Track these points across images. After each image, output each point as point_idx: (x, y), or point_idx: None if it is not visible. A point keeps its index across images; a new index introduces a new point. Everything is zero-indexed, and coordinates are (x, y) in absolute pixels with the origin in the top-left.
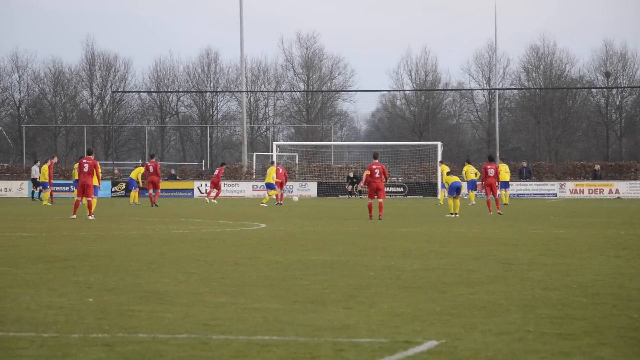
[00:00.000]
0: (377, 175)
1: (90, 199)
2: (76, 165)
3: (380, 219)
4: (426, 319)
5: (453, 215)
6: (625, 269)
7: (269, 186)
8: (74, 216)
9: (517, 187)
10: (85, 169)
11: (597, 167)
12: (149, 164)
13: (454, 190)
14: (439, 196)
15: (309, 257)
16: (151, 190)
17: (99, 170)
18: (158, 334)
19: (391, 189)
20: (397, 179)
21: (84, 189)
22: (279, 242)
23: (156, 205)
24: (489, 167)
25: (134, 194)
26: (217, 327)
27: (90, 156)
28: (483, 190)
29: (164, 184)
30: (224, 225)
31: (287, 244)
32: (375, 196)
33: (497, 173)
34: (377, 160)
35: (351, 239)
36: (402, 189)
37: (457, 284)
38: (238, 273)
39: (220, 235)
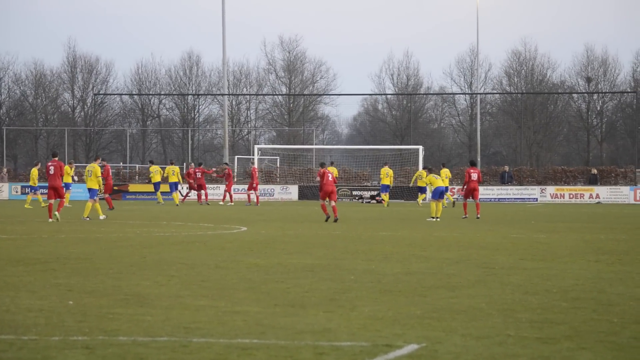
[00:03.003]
0: (329, 179)
1: (63, 199)
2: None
3: (336, 220)
4: (407, 323)
5: (434, 219)
6: (605, 273)
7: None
8: (51, 220)
9: (497, 192)
10: (52, 172)
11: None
12: (196, 170)
13: (438, 194)
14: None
15: (290, 261)
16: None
17: (109, 173)
18: (138, 336)
19: (373, 192)
20: (379, 183)
21: (55, 191)
22: (259, 246)
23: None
24: (471, 171)
25: (175, 195)
26: (197, 330)
27: (55, 158)
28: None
29: (146, 187)
30: (204, 228)
31: (268, 247)
32: (328, 199)
33: (479, 177)
34: (327, 166)
35: (332, 242)
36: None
37: (438, 287)
38: (219, 276)
39: (201, 238)
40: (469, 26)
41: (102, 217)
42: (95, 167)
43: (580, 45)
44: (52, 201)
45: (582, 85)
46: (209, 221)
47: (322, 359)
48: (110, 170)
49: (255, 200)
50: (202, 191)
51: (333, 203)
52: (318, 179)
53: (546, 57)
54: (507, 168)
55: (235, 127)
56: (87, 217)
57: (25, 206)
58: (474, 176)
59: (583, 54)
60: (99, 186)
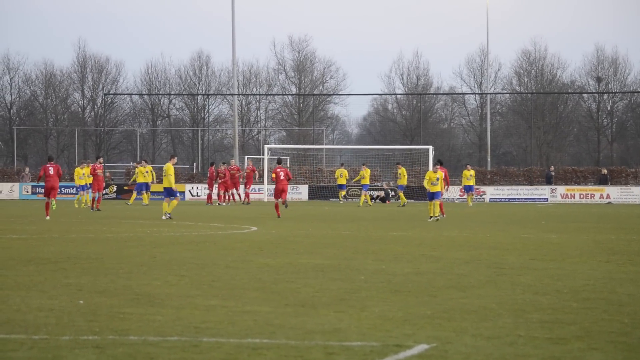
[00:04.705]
0: (282, 177)
1: (54, 199)
2: (87, 170)
3: (285, 205)
4: (417, 323)
5: (434, 219)
6: (616, 274)
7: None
8: (48, 217)
9: (508, 192)
10: (52, 172)
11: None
12: (227, 168)
13: (432, 195)
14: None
15: (300, 261)
16: (231, 191)
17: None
18: (149, 336)
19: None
20: (389, 183)
21: (53, 191)
22: (270, 245)
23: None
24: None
25: (146, 195)
26: (208, 329)
27: (52, 162)
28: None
29: (154, 187)
30: (215, 228)
31: (278, 247)
32: (280, 198)
33: (446, 177)
34: (281, 165)
35: (342, 242)
36: (393, 193)
37: (448, 288)
38: (229, 276)
39: (211, 238)
40: (479, 26)
41: (164, 217)
42: (168, 166)
43: (591, 45)
44: (48, 200)
45: (593, 85)
46: (219, 221)
47: (332, 359)
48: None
49: (247, 198)
50: (234, 190)
51: (283, 200)
52: (274, 176)
53: (556, 57)
54: (552, 168)
55: (245, 127)
56: (169, 214)
57: (75, 205)
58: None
59: (593, 54)
60: (171, 184)
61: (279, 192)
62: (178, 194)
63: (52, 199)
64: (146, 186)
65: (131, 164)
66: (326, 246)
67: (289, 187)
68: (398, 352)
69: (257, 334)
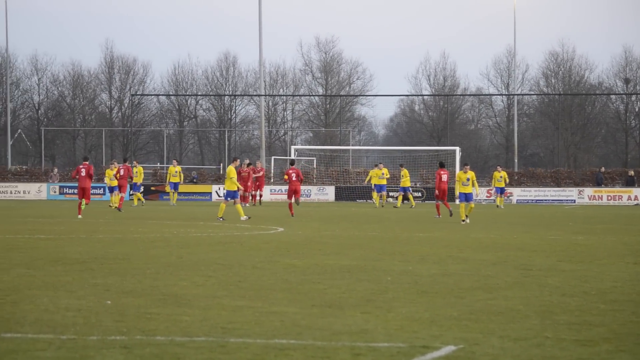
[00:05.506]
0: (294, 178)
1: (88, 202)
2: (112, 170)
3: (297, 203)
4: (444, 324)
5: (465, 222)
6: None
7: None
8: (80, 216)
9: (535, 193)
10: (83, 173)
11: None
12: (252, 169)
13: (464, 196)
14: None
15: (326, 262)
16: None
17: (261, 175)
18: (176, 336)
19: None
20: (415, 184)
21: (84, 191)
22: (296, 246)
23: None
24: (442, 172)
25: (137, 195)
26: (234, 330)
27: (86, 162)
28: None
29: (184, 187)
30: (242, 228)
31: (305, 248)
32: (293, 197)
33: (448, 179)
34: (293, 166)
35: (369, 243)
36: (420, 194)
37: (475, 289)
38: (256, 277)
39: (238, 239)
40: (506, 27)
41: (243, 217)
42: (229, 169)
43: (619, 47)
44: (87, 201)
45: (620, 86)
46: (246, 222)
47: (359, 359)
48: (122, 171)
49: (255, 199)
50: (258, 192)
51: (296, 200)
52: (286, 177)
53: (584, 58)
54: (602, 169)
55: (272, 128)
56: (221, 217)
57: (109, 205)
58: (444, 177)
59: (621, 55)
60: (237, 187)
61: (292, 193)
62: (237, 196)
63: (84, 199)
64: (175, 186)
65: (133, 163)
66: (353, 247)
67: (315, 189)
68: (425, 353)
69: (284, 335)
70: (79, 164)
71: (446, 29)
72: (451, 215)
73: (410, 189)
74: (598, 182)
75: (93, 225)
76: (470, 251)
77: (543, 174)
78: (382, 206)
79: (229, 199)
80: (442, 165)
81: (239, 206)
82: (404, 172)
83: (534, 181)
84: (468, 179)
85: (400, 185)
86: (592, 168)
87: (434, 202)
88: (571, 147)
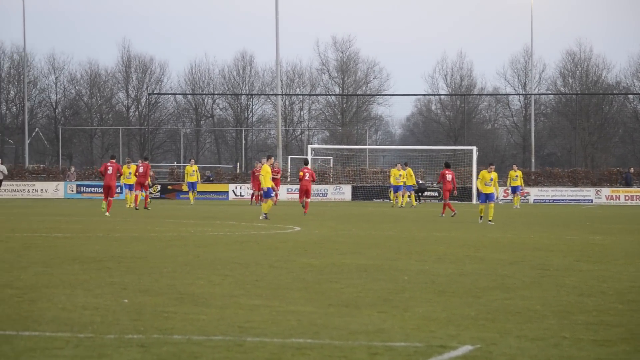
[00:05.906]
0: (307, 178)
1: (111, 199)
2: (133, 168)
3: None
4: (461, 324)
5: (490, 223)
6: None
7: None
8: (108, 214)
9: (552, 193)
10: (110, 171)
11: (632, 169)
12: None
13: (485, 196)
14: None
15: (343, 261)
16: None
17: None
18: (193, 335)
19: (425, 193)
20: (432, 184)
21: (109, 190)
22: (313, 246)
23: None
24: (446, 173)
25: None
26: (251, 329)
27: (113, 160)
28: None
29: (201, 186)
30: (258, 227)
31: (321, 247)
32: (305, 196)
33: (453, 179)
34: (307, 166)
35: (385, 243)
36: (436, 194)
37: (492, 289)
38: (272, 276)
39: (254, 238)
40: (523, 27)
41: (262, 216)
42: (263, 167)
43: (636, 46)
44: (111, 199)
45: (638, 86)
46: (262, 221)
47: (376, 359)
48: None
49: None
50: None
51: (307, 200)
52: (302, 174)
53: (601, 58)
54: (632, 170)
55: (289, 127)
56: (265, 215)
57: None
58: (449, 177)
59: (639, 55)
60: (265, 185)
61: (303, 192)
62: (272, 194)
63: (109, 197)
64: (193, 185)
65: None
66: (369, 246)
67: (332, 188)
68: (442, 352)
69: (301, 334)
70: (96, 162)
71: (463, 28)
72: (453, 216)
73: (412, 188)
74: (627, 183)
75: (110, 223)
76: (487, 251)
77: (560, 174)
78: (401, 206)
79: (270, 195)
80: (447, 166)
81: (269, 203)
82: (408, 170)
83: (551, 181)
84: (491, 179)
85: (407, 184)
86: (610, 168)
87: (453, 202)
88: (588, 147)
